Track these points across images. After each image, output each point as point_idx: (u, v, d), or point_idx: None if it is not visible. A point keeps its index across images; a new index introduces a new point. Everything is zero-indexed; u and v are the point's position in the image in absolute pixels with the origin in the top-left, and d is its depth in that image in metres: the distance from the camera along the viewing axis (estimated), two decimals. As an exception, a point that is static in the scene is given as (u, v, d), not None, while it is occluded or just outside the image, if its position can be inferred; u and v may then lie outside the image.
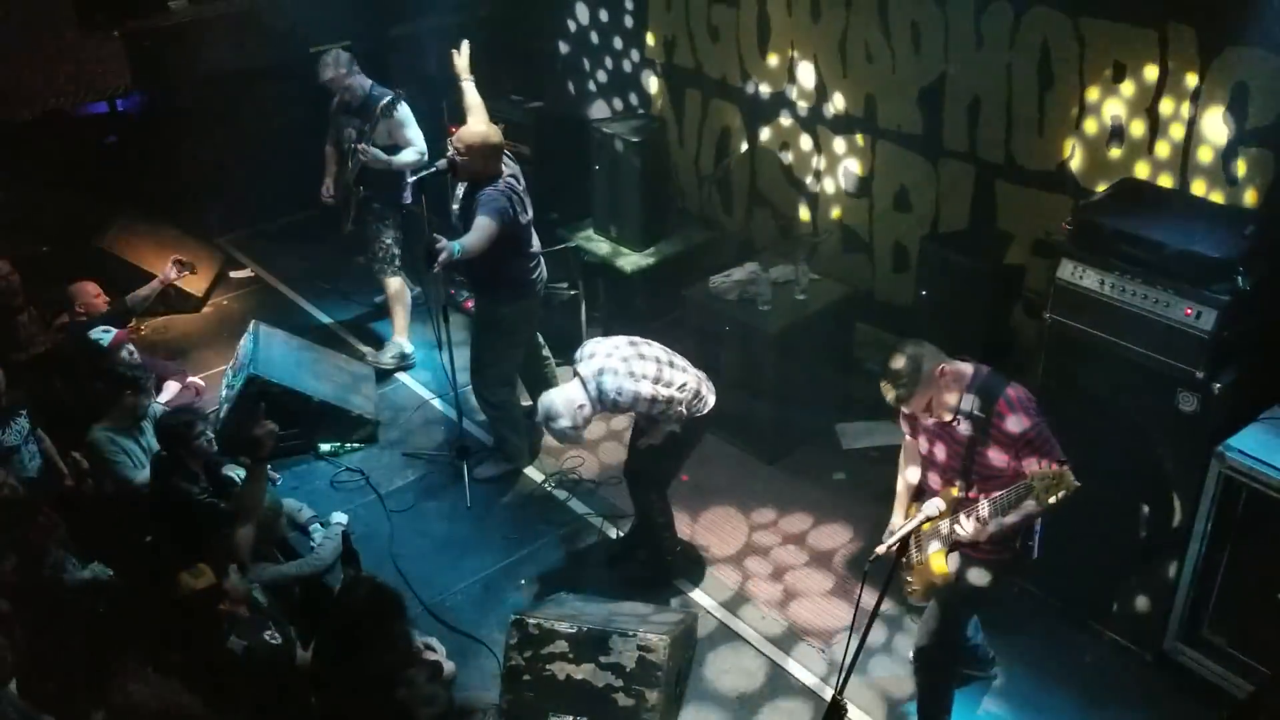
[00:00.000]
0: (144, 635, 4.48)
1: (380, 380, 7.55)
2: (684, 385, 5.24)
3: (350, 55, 7.11)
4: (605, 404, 5.16)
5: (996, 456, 4.20)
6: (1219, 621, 4.91)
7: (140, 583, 5.06)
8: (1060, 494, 3.83)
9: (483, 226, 5.80)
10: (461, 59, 6.32)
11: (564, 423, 5.14)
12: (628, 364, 5.17)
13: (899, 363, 4.17)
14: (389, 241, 7.42)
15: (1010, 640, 5.29)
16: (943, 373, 4.18)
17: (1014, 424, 4.13)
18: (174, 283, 7.26)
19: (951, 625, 4.63)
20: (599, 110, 8.66)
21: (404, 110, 7.09)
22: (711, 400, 5.41)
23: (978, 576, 4.45)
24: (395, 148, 7.09)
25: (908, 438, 4.65)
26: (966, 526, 4.19)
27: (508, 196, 5.94)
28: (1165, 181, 5.52)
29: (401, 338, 7.74)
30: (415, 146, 7.09)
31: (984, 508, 4.15)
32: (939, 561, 4.37)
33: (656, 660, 4.81)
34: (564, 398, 5.16)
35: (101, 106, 8.45)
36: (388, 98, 7.00)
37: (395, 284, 7.57)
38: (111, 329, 6.50)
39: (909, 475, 4.67)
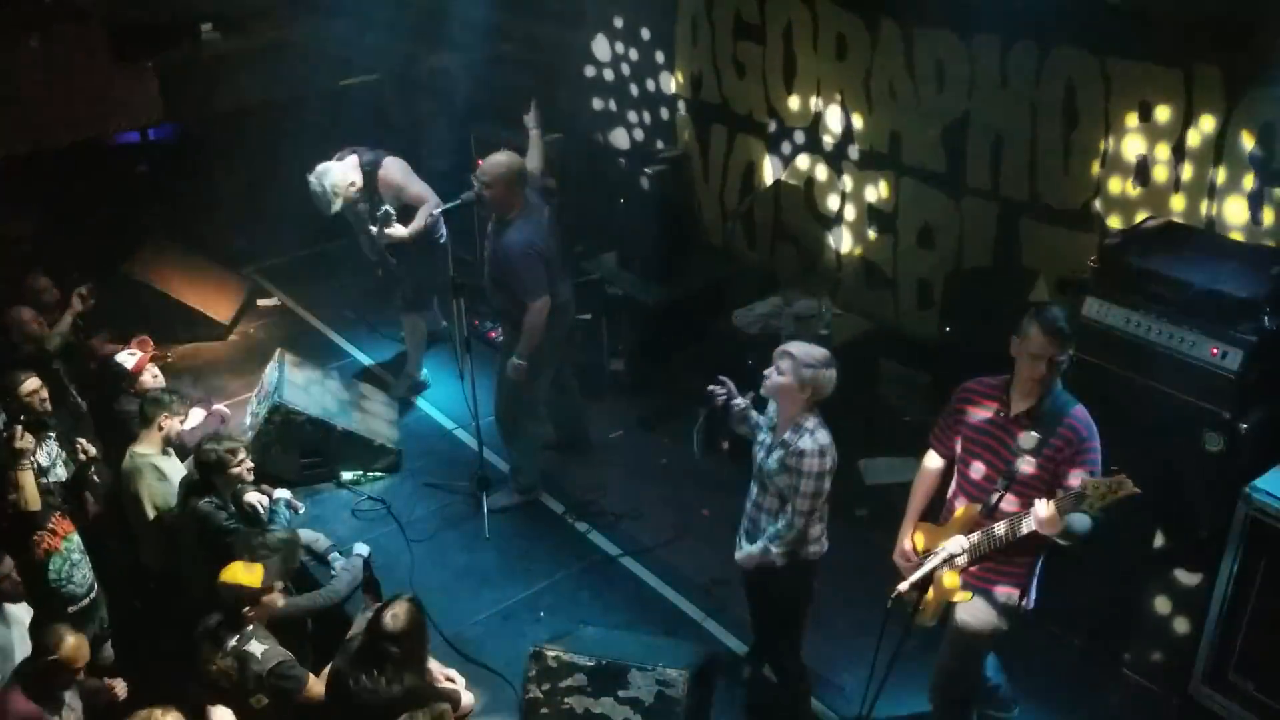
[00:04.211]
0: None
1: (403, 410, 7.59)
2: None
3: (339, 185, 7.04)
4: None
5: (1037, 466, 4.19)
6: (1246, 665, 4.84)
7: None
8: (1115, 500, 3.83)
9: (533, 320, 6.07)
10: (531, 114, 6.57)
11: None
12: None
13: (1063, 318, 4.18)
14: (422, 284, 7.48)
15: (1034, 681, 5.23)
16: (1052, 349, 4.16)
17: (1084, 428, 4.15)
18: (80, 313, 6.91)
19: (964, 664, 4.60)
20: (624, 144, 8.72)
21: (395, 178, 7.12)
22: None
23: (985, 614, 4.44)
24: (406, 208, 7.15)
25: (930, 460, 4.65)
26: (1041, 512, 4.04)
27: (538, 251, 6.05)
28: (1191, 220, 5.51)
29: (414, 370, 7.82)
30: (425, 206, 7.13)
31: (1042, 505, 4.06)
32: (953, 582, 4.38)
33: (675, 695, 4.78)
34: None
35: (134, 136, 8.56)
36: (384, 211, 7.01)
37: (412, 321, 7.65)
38: (137, 352, 6.55)
39: (919, 501, 4.69)
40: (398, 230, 7.06)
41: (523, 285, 6.05)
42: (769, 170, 7.69)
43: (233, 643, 4.60)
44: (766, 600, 5.09)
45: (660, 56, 8.18)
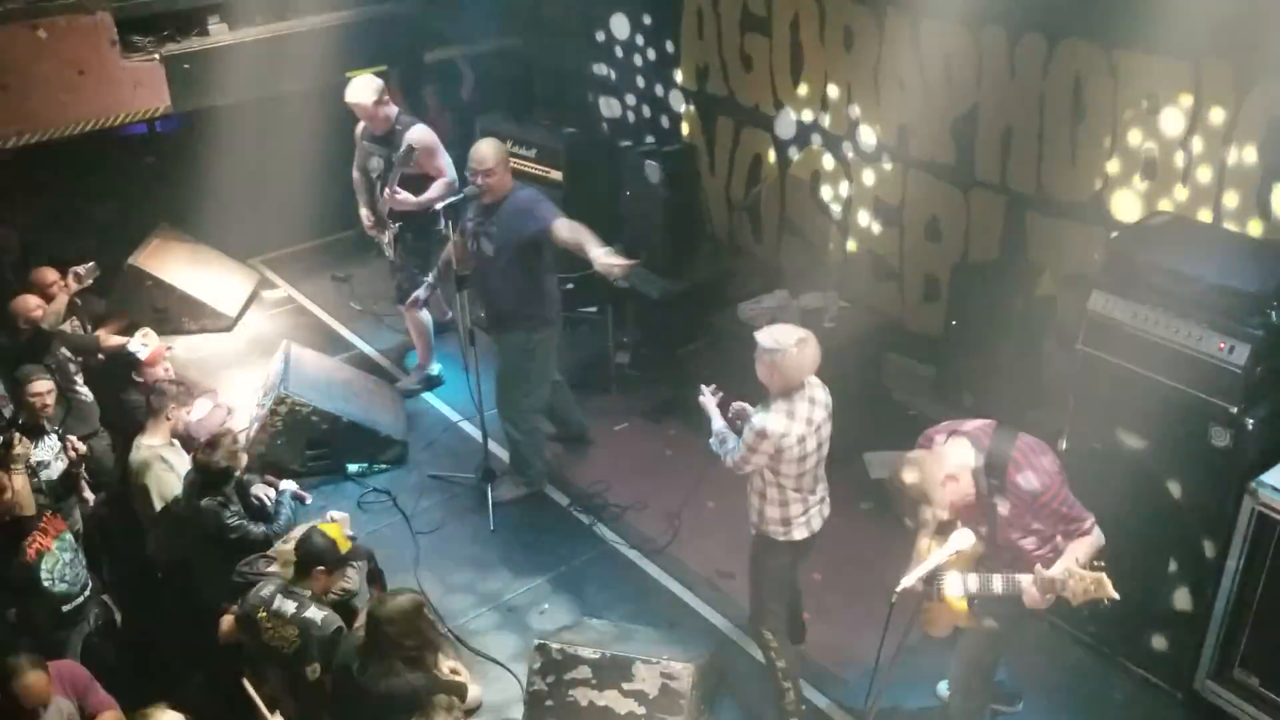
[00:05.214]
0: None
1: (408, 402, 7.59)
2: None
3: (379, 85, 6.98)
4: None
5: (1023, 534, 4.16)
6: (1252, 661, 4.83)
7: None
8: (1091, 599, 3.89)
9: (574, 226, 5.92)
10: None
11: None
12: None
13: (910, 475, 4.20)
14: (418, 274, 7.45)
15: (1038, 676, 5.23)
16: (950, 477, 4.13)
17: (1025, 482, 4.10)
18: (75, 294, 6.82)
19: (976, 672, 4.60)
20: (630, 136, 8.70)
21: (427, 139, 7.04)
22: None
23: (995, 621, 4.42)
24: (425, 177, 7.09)
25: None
26: (1033, 592, 4.08)
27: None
28: (1199, 215, 5.49)
29: (425, 363, 7.80)
30: (445, 177, 7.07)
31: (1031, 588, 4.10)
32: (957, 601, 4.35)
33: (680, 688, 4.78)
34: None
35: (141, 128, 8.56)
36: (406, 145, 6.88)
37: (411, 315, 7.58)
38: (150, 343, 6.56)
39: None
40: (406, 196, 6.96)
41: (545, 217, 5.96)
42: (775, 163, 7.68)
43: (292, 610, 4.63)
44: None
45: (667, 47, 8.17)
